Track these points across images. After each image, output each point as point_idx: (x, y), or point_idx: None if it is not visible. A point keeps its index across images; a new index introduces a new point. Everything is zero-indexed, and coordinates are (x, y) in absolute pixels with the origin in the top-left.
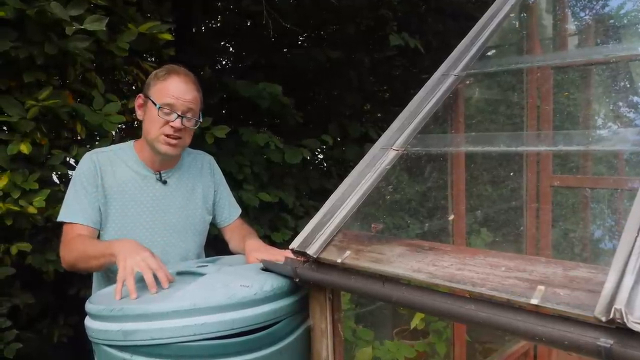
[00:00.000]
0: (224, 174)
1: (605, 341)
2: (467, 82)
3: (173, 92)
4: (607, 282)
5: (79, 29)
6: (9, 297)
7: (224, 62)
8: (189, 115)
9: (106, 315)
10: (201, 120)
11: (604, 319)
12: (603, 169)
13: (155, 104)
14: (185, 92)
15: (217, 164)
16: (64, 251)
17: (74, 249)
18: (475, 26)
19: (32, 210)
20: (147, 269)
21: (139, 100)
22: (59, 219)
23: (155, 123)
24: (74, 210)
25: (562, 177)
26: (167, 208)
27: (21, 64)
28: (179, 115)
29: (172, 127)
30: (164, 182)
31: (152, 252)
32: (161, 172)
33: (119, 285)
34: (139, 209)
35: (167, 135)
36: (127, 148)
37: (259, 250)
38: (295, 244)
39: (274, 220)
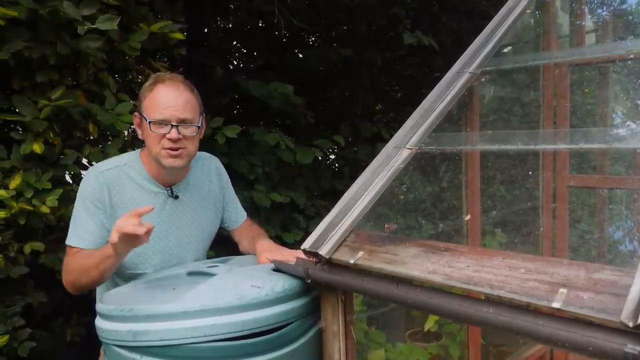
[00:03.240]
0: (235, 174)
1: (632, 348)
2: (482, 79)
3: (162, 103)
4: (633, 286)
5: (91, 29)
6: (23, 296)
7: (235, 62)
8: (186, 122)
9: (116, 316)
10: (200, 125)
11: (631, 324)
12: (621, 168)
13: (147, 121)
14: (174, 99)
15: (223, 167)
16: (65, 273)
17: (73, 269)
18: (490, 23)
19: (44, 209)
20: (131, 226)
21: (136, 119)
22: (67, 242)
23: (153, 140)
24: (79, 234)
25: (580, 176)
26: (180, 222)
27: (34, 63)
28: (173, 126)
29: (169, 139)
30: (176, 197)
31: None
32: (172, 187)
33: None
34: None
35: (168, 149)
36: (134, 162)
37: (270, 251)
38: (307, 244)
39: (285, 220)
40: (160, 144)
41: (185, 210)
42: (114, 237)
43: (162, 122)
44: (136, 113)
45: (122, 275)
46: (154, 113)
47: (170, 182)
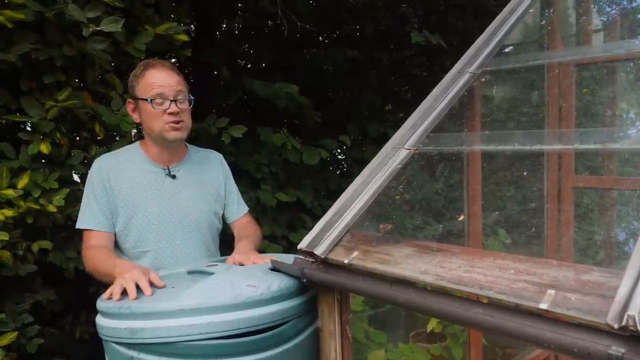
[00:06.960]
0: (241, 173)
1: (617, 349)
2: (483, 79)
3: (156, 82)
4: (621, 287)
5: (96, 31)
6: (31, 294)
7: (242, 63)
8: (180, 97)
9: (114, 313)
10: (192, 98)
11: (616, 326)
12: (628, 169)
13: (146, 100)
14: (168, 78)
15: (225, 161)
16: (84, 259)
17: (89, 262)
18: (493, 22)
19: (52, 208)
20: (141, 277)
21: (130, 105)
22: (77, 226)
23: (155, 117)
24: (86, 217)
25: (585, 177)
26: (178, 202)
27: (41, 65)
28: (172, 101)
29: (170, 113)
30: (173, 177)
31: (146, 268)
32: (169, 167)
33: (116, 288)
34: (150, 203)
35: (171, 123)
36: (133, 149)
37: (240, 253)
38: (303, 243)
39: (292, 220)
40: (162, 120)
41: (183, 191)
42: (129, 274)
43: (161, 98)
44: (129, 100)
45: (126, 253)
46: (152, 90)
47: (168, 163)
